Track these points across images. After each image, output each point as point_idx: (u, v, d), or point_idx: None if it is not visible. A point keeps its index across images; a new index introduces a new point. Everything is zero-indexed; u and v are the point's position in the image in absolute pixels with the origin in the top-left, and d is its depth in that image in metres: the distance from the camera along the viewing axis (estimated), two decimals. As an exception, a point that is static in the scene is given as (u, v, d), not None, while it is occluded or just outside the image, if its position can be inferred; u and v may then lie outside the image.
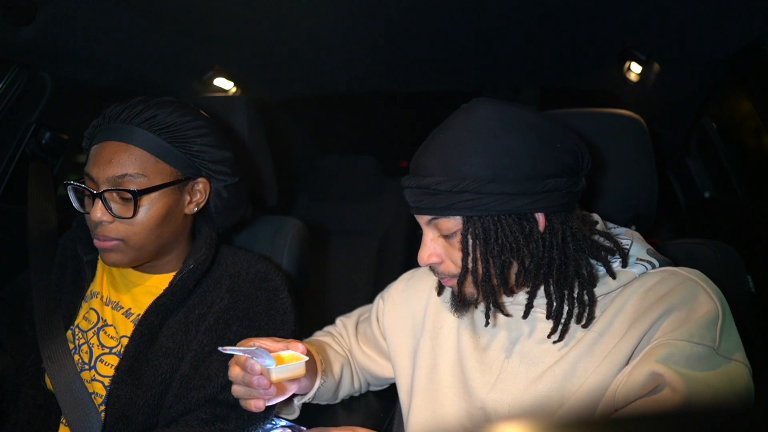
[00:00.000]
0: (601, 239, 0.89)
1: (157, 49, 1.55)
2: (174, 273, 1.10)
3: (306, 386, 1.00)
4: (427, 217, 0.86)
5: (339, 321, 1.23)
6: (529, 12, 1.44)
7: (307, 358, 0.85)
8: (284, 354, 0.86)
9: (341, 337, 1.19)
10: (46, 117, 1.38)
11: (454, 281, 0.87)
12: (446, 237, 0.85)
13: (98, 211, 0.99)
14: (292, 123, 2.67)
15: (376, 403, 1.18)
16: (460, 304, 0.90)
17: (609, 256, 0.87)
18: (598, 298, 0.87)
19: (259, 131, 1.41)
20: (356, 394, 1.16)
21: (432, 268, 0.91)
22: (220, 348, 0.85)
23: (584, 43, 1.64)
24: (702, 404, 0.66)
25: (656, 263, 0.87)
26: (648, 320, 0.79)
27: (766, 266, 1.29)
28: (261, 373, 0.82)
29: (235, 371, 0.86)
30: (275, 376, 0.82)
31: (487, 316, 0.88)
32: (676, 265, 0.88)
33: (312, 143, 2.92)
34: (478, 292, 0.86)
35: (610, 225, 0.98)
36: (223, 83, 1.94)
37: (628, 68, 1.72)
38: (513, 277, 0.85)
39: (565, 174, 0.82)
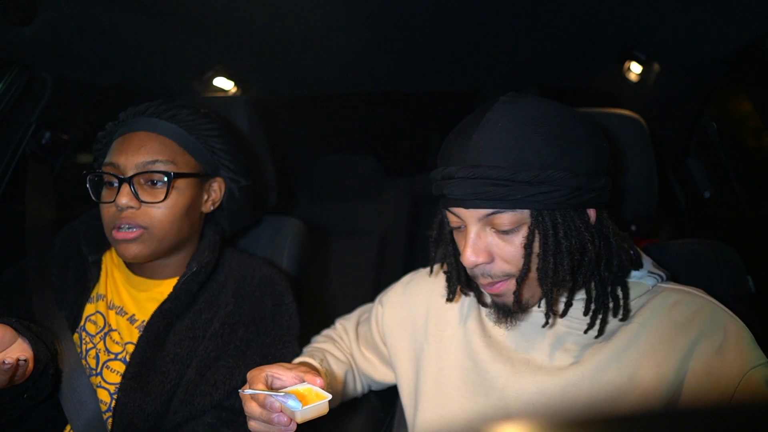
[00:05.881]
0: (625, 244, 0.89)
1: (157, 49, 1.54)
2: (177, 278, 1.08)
3: None
4: (483, 212, 0.77)
5: (339, 324, 1.21)
6: (528, 12, 1.44)
7: (330, 397, 0.80)
8: (301, 388, 0.82)
9: (341, 340, 1.17)
10: (46, 117, 1.38)
11: (511, 282, 0.81)
12: (503, 233, 0.78)
13: (124, 197, 0.98)
14: (292, 123, 2.67)
15: (377, 403, 1.17)
16: (516, 308, 0.82)
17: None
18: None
19: (259, 131, 1.41)
20: (359, 396, 1.16)
21: (469, 272, 0.83)
22: (240, 390, 0.82)
23: (584, 42, 1.64)
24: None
25: (664, 276, 0.89)
26: (684, 341, 0.79)
27: (766, 266, 1.28)
28: (281, 411, 0.79)
29: (252, 408, 0.82)
30: (300, 418, 0.78)
31: (548, 317, 0.81)
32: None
33: (312, 143, 2.91)
34: (542, 292, 0.80)
35: None
36: (223, 83, 1.94)
37: (628, 68, 1.72)
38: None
39: (607, 169, 0.82)
